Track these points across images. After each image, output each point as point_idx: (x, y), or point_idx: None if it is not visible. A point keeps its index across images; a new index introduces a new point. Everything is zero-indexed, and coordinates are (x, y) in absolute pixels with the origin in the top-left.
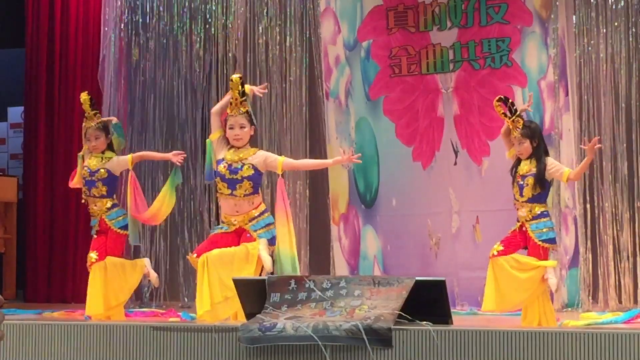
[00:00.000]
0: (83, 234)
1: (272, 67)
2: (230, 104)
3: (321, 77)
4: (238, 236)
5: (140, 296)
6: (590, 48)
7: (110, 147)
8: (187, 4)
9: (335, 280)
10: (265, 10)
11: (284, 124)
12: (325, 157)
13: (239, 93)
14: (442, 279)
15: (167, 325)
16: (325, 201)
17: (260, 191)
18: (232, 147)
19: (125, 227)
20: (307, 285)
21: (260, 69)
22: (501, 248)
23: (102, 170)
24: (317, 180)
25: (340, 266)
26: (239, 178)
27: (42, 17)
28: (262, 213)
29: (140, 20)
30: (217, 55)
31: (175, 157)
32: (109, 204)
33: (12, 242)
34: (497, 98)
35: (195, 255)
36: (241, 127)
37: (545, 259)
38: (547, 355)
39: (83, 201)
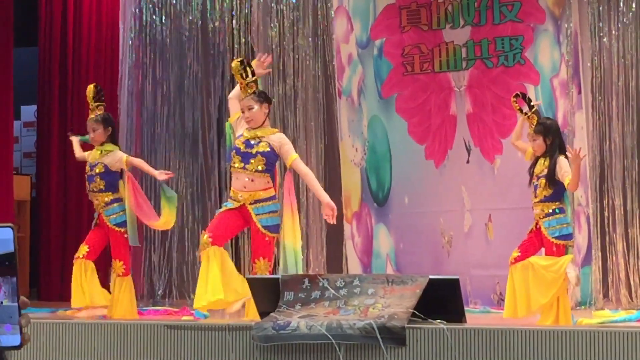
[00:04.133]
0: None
1: (285, 65)
2: (240, 89)
3: (334, 75)
4: (243, 217)
5: (152, 294)
6: (602, 45)
7: (112, 139)
8: (200, 3)
9: (349, 279)
10: (278, 9)
11: (297, 122)
12: (338, 155)
13: (241, 77)
14: (456, 277)
15: (181, 324)
16: (338, 199)
17: (275, 175)
18: (250, 128)
19: (121, 225)
20: (320, 284)
21: (273, 67)
22: (518, 254)
23: (100, 164)
24: (331, 179)
25: (353, 264)
26: (254, 152)
27: (55, 16)
28: (269, 198)
29: (155, 20)
30: (232, 53)
31: (161, 175)
32: (107, 199)
33: (25, 240)
34: (514, 94)
35: (208, 236)
36: (249, 109)
37: (562, 255)
38: (561, 353)
39: (90, 199)
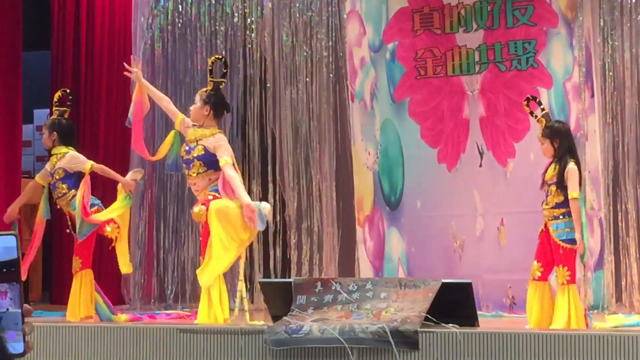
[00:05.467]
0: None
1: (298, 69)
2: None
3: (346, 79)
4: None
5: (164, 298)
6: (615, 48)
7: (64, 142)
8: (213, 7)
9: (361, 283)
10: (290, 13)
11: (309, 126)
12: (351, 159)
13: (209, 72)
14: (468, 281)
15: (194, 328)
16: (351, 203)
17: (219, 168)
18: (194, 125)
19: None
20: (333, 288)
21: (286, 71)
22: (539, 274)
23: (58, 170)
24: (343, 182)
25: (364, 268)
26: (191, 158)
27: (68, 19)
28: (215, 186)
29: (167, 23)
30: (245, 57)
31: (127, 186)
32: (69, 197)
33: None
34: (526, 97)
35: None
36: (194, 103)
37: (569, 260)
38: (574, 357)
39: (58, 207)
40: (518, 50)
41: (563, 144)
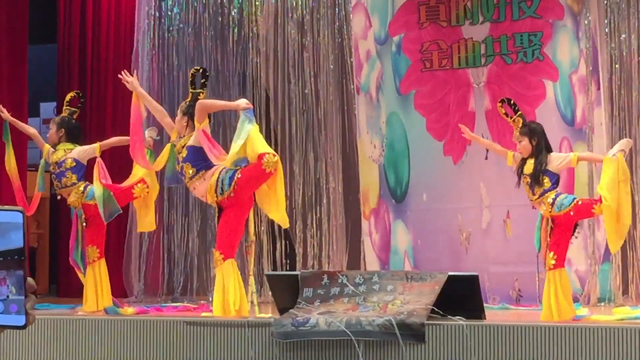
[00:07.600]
0: (115, 228)
1: (303, 62)
2: None
3: (352, 71)
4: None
5: (171, 291)
6: (621, 41)
7: (70, 139)
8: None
9: (367, 276)
10: (296, 5)
11: (315, 119)
12: (357, 152)
13: (190, 84)
14: (475, 274)
15: (201, 320)
16: (356, 196)
17: (210, 165)
18: (179, 137)
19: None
20: (340, 281)
21: (292, 64)
22: (554, 261)
23: (69, 159)
24: (349, 175)
25: (371, 261)
26: (181, 165)
27: (74, 13)
28: (220, 172)
29: (171, 17)
30: (252, 50)
31: (145, 143)
32: (81, 188)
33: (44, 237)
34: (500, 99)
35: (221, 254)
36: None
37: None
38: (580, 349)
39: (58, 197)
40: (524, 43)
41: (540, 142)
